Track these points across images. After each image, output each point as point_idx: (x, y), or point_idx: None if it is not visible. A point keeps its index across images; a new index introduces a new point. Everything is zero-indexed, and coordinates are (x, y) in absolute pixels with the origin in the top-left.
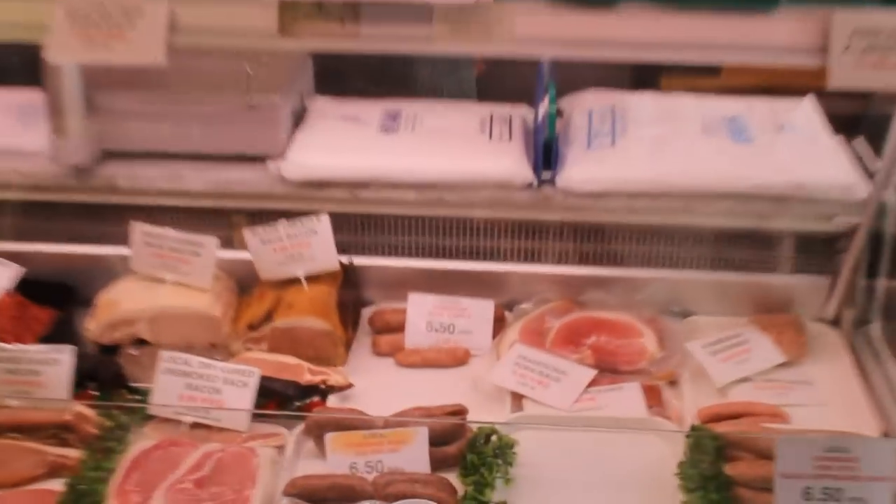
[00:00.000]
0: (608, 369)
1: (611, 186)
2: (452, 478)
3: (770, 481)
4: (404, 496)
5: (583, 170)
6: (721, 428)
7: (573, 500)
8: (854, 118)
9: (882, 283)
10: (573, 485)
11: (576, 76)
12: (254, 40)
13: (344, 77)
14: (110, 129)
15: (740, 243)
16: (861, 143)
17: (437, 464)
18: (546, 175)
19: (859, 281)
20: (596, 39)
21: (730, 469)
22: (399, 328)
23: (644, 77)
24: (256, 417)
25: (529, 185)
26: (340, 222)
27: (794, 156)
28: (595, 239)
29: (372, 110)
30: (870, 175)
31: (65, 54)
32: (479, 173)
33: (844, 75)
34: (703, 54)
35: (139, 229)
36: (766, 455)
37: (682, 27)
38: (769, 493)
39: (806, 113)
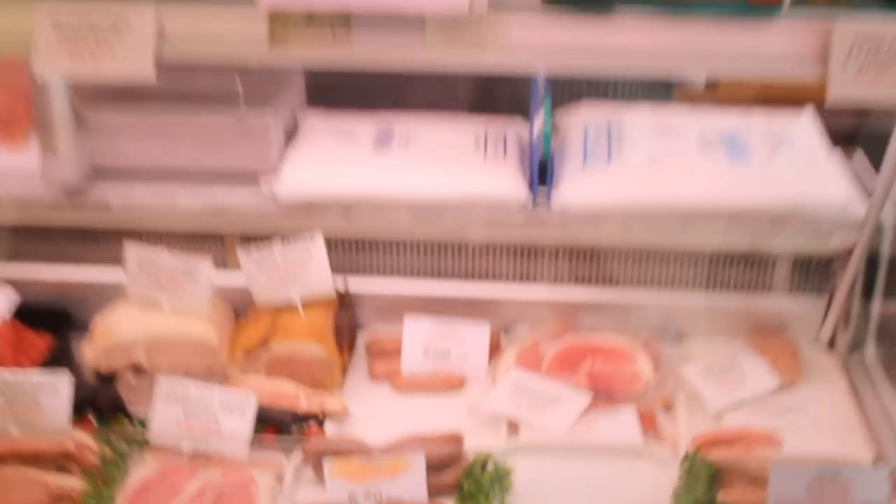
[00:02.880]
0: (604, 395)
1: (606, 207)
2: None
3: None
4: None
5: (578, 189)
6: (716, 454)
7: None
8: (853, 131)
9: (877, 306)
10: None
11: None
12: (244, 50)
13: (336, 90)
14: (100, 145)
15: (736, 264)
16: (860, 157)
17: (435, 491)
18: (541, 193)
19: (855, 303)
20: (592, 48)
21: (724, 496)
22: (395, 353)
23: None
24: (255, 445)
25: (525, 205)
26: (335, 243)
27: (791, 173)
28: (590, 260)
29: (365, 125)
30: (868, 192)
31: (51, 68)
32: (474, 193)
33: (843, 87)
34: (702, 64)
35: (133, 252)
36: (760, 481)
37: (680, 34)
38: None
39: (804, 127)
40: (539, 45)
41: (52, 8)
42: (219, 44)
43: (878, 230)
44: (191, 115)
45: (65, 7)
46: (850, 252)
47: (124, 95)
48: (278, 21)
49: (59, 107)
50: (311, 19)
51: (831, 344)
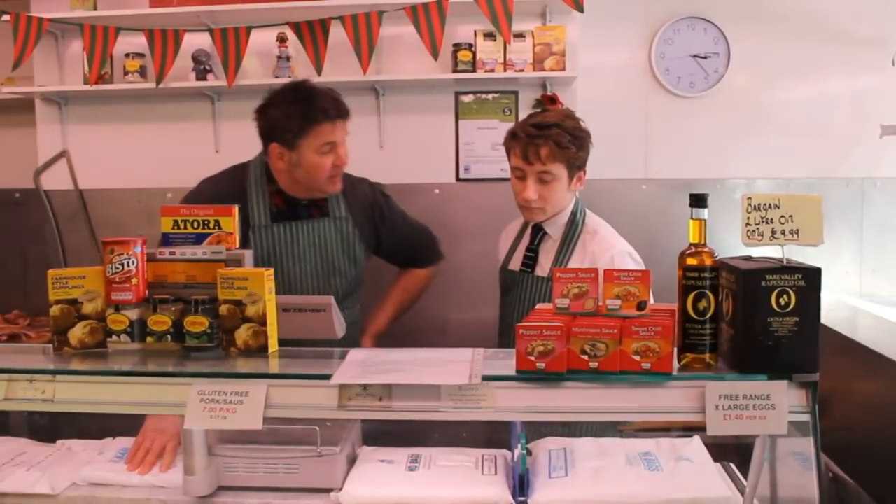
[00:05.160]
0: None
1: None
2: None
3: None
4: None
5: (546, 494)
6: None
7: None
8: (728, 448)
9: None
10: None
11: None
12: (321, 410)
13: (382, 432)
14: (223, 468)
15: None
16: (733, 467)
17: None
18: (521, 499)
19: None
20: (550, 405)
21: None
22: None
23: None
24: None
25: None
26: None
27: (690, 479)
28: None
29: (400, 455)
30: (741, 490)
31: (196, 423)
32: (475, 499)
33: (717, 426)
34: (623, 415)
35: None
36: None
37: (608, 396)
38: None
39: (695, 447)
40: (515, 404)
41: (199, 385)
42: (304, 407)
43: None
44: (284, 451)
45: (207, 384)
46: None
47: (241, 436)
48: (344, 391)
49: (198, 443)
50: (366, 389)
51: None
